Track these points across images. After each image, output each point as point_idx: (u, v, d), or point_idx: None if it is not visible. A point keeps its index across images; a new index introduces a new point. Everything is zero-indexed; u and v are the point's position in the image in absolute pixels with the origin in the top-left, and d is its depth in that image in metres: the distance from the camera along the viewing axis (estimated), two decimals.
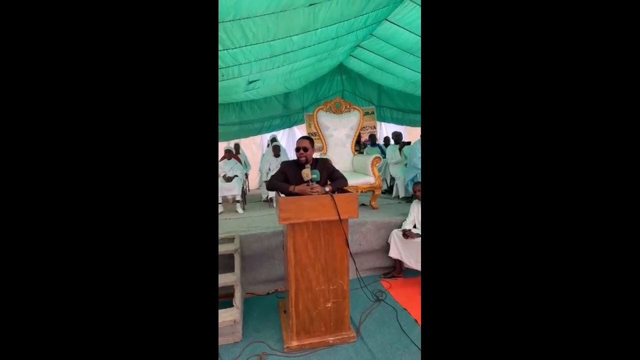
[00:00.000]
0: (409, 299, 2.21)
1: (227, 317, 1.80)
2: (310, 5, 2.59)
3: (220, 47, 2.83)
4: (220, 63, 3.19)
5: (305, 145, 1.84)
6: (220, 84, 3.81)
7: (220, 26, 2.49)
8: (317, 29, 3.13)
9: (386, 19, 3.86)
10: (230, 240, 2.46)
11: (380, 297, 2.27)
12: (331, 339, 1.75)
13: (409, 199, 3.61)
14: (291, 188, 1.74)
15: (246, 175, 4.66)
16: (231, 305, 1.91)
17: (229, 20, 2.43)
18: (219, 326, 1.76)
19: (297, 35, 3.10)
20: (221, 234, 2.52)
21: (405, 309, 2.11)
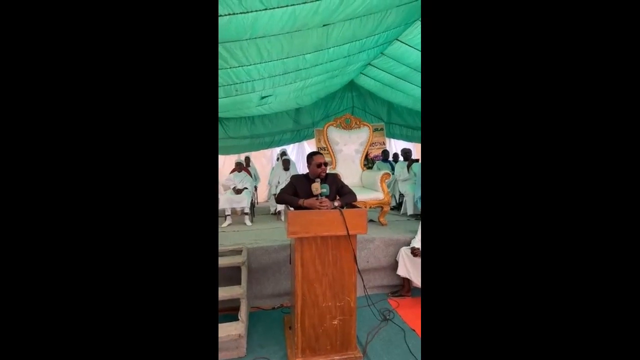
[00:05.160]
0: (417, 320, 2.15)
1: (232, 330, 1.78)
2: (323, 25, 2.69)
3: (235, 64, 2.94)
4: (234, 79, 3.30)
5: (325, 160, 1.90)
6: (233, 98, 3.92)
7: (237, 44, 2.59)
8: (330, 47, 3.22)
9: (397, 39, 3.95)
10: (238, 252, 2.46)
11: (388, 317, 2.21)
12: (337, 357, 1.71)
13: (418, 217, 3.57)
14: (300, 202, 1.75)
15: (255, 188, 4.70)
16: (237, 319, 1.89)
17: (246, 39, 2.53)
18: (224, 340, 1.74)
19: (310, 53, 3.20)
20: (229, 246, 2.53)
21: (414, 330, 2.05)
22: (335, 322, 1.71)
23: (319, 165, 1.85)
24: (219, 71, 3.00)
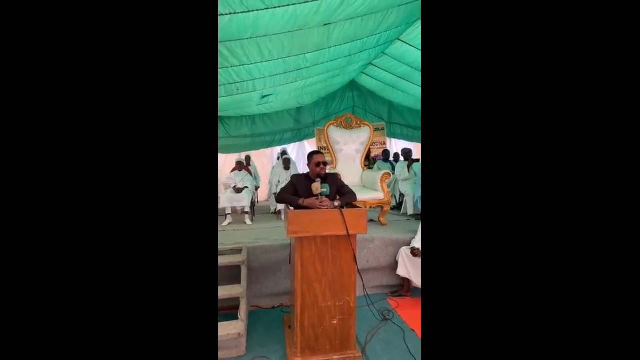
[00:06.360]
0: (417, 320, 2.15)
1: (232, 329, 1.78)
2: (324, 25, 2.68)
3: (236, 63, 2.94)
4: (235, 77, 3.30)
5: (325, 160, 1.91)
6: (234, 97, 3.92)
7: (238, 43, 2.59)
8: (331, 47, 3.22)
9: (398, 39, 3.95)
10: (238, 251, 2.47)
11: (387, 317, 2.22)
12: (336, 357, 1.71)
13: (418, 217, 3.57)
14: (301, 201, 1.75)
15: (256, 188, 4.70)
16: (236, 318, 1.89)
17: (247, 38, 2.53)
18: (224, 339, 1.74)
19: (310, 52, 3.20)
20: (229, 245, 2.54)
21: (413, 330, 2.05)
22: (335, 322, 1.71)
23: (318, 165, 1.85)
24: (220, 70, 3.00)
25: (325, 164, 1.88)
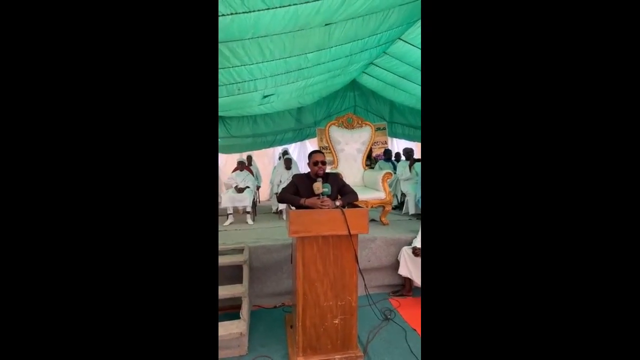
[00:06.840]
0: (418, 319, 2.15)
1: (234, 329, 1.79)
2: (325, 25, 2.68)
3: (237, 63, 2.95)
4: (237, 77, 3.30)
5: (324, 159, 1.89)
6: (235, 97, 3.93)
7: (239, 43, 2.60)
8: (332, 47, 3.22)
9: (400, 38, 3.94)
10: (240, 251, 2.47)
11: (389, 316, 2.22)
12: (337, 356, 1.71)
13: (419, 216, 3.56)
14: (302, 201, 1.76)
15: (258, 187, 4.71)
16: (238, 317, 1.90)
17: (248, 38, 2.53)
18: (225, 338, 1.75)
19: (312, 52, 3.20)
20: (231, 245, 2.54)
21: (415, 330, 2.05)
22: (336, 321, 1.71)
23: (315, 164, 1.85)
24: (222, 70, 3.00)
25: (323, 162, 1.87)
